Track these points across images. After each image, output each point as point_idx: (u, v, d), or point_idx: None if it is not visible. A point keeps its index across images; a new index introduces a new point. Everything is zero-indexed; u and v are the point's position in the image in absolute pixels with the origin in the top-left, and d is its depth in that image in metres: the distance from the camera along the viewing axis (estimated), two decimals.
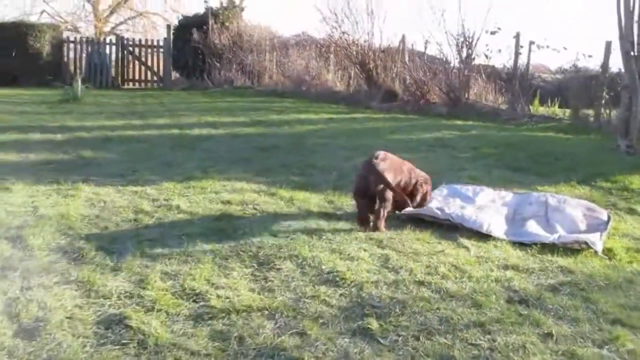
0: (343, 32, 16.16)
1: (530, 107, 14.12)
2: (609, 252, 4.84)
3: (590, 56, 13.35)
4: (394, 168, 5.31)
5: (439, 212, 5.37)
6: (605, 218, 5.51)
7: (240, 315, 3.35)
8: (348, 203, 5.92)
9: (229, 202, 5.70)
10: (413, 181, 5.52)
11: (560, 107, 14.59)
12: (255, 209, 5.56)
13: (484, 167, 7.77)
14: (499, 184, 6.83)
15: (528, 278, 4.12)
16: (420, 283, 3.91)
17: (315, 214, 5.50)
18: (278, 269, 4.05)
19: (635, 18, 8.60)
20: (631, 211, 6.20)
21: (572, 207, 5.72)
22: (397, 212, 5.47)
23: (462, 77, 14.38)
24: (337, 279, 3.90)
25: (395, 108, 14.40)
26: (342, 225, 5.10)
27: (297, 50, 17.95)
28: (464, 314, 3.46)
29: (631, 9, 8.56)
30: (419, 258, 4.34)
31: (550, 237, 4.97)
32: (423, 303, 3.60)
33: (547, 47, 13.81)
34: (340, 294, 3.70)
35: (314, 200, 5.96)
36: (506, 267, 4.29)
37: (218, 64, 18.83)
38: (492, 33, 14.17)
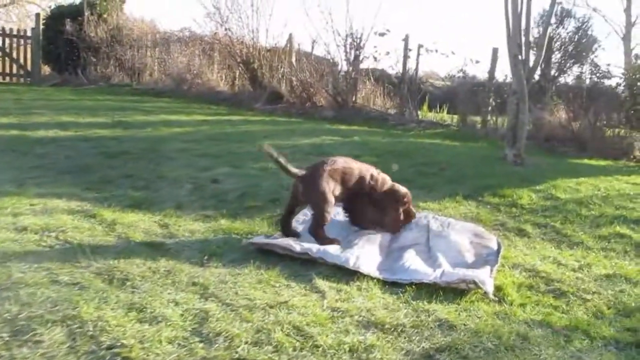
0: (227, 29, 14.76)
1: (419, 112, 13.32)
2: (498, 291, 3.81)
3: (477, 62, 12.68)
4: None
5: (295, 246, 4.15)
6: (495, 247, 4.52)
7: None
8: (188, 227, 4.61)
9: (24, 230, 4.22)
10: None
11: (448, 113, 13.91)
12: (57, 239, 4.12)
13: None
14: None
15: (395, 342, 2.96)
16: None
17: (137, 244, 4.14)
18: (37, 342, 2.66)
19: (523, 19, 7.79)
20: (521, 232, 5.30)
21: (458, 233, 4.68)
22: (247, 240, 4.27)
23: (350, 79, 13.34)
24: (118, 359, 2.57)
25: (280, 110, 13.15)
26: (162, 263, 3.75)
27: (180, 47, 16.32)
28: None
29: (519, 10, 7.74)
30: (251, 315, 3.08)
31: (431, 276, 3.87)
32: None
33: (436, 51, 13.02)
34: None
35: (144, 225, 4.60)
36: (368, 326, 3.11)
37: (94, 59, 16.84)
38: (381, 35, 13.22)
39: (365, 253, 4.20)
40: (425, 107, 14.02)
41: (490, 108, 12.13)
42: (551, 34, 12.52)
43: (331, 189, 4.47)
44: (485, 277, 3.86)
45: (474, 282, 3.73)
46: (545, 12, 10.46)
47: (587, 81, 12.28)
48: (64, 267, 3.49)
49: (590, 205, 6.00)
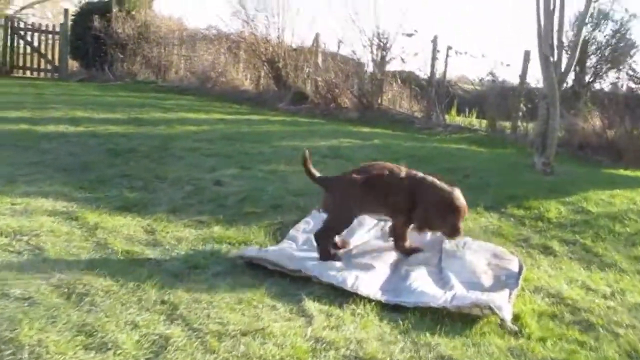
0: (252, 28, 14.36)
1: (447, 116, 12.73)
2: (516, 320, 3.29)
3: (508, 65, 11.99)
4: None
5: (287, 262, 3.68)
6: (516, 269, 3.97)
7: None
8: (176, 234, 4.18)
9: None
10: None
11: (477, 117, 13.27)
12: (28, 244, 3.71)
13: None
14: None
15: None
16: None
17: (114, 252, 3.72)
18: None
19: (556, 19, 7.19)
20: (546, 250, 4.74)
21: (474, 253, 4.16)
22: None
23: (375, 80, 12.82)
24: None
25: (304, 111, 12.70)
26: (134, 275, 3.31)
27: (205, 45, 15.99)
28: None
29: (551, 7, 7.13)
30: (218, 344, 2.62)
31: (440, 300, 3.36)
32: None
33: (465, 53, 12.39)
34: None
35: (128, 230, 4.19)
36: None
37: (121, 56, 16.65)
38: (409, 35, 12.65)
39: (367, 273, 3.70)
40: (453, 111, 13.43)
41: (520, 113, 11.50)
42: (586, 37, 11.84)
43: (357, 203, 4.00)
44: (503, 302, 3.35)
45: (489, 308, 3.23)
46: (580, 13, 9.77)
47: (624, 87, 11.59)
48: (21, 278, 3.08)
49: (625, 221, 5.40)
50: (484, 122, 12.37)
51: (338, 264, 3.75)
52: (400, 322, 3.09)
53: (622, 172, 8.57)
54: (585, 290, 3.87)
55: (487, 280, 3.79)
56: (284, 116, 11.57)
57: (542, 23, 7.17)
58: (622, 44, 11.76)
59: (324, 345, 2.74)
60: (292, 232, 4.44)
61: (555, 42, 7.11)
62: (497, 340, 3.02)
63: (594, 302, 3.67)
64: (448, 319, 3.18)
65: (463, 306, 3.26)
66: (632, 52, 11.82)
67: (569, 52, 7.74)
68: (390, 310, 3.27)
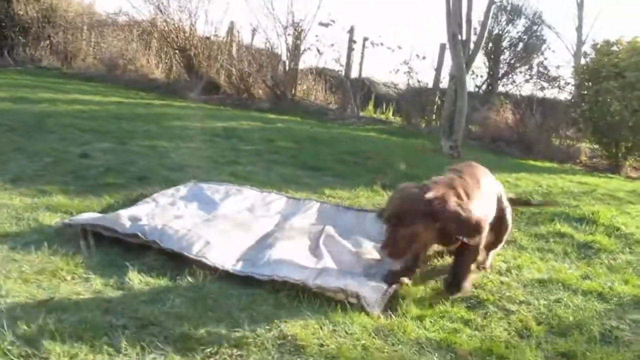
0: (163, 13, 13.45)
1: (364, 111, 12.30)
2: (392, 299, 2.71)
3: (424, 58, 11.65)
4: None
5: (123, 225, 2.98)
6: None
7: None
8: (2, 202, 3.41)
9: None
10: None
11: (394, 115, 12.88)
12: None
13: (267, 162, 5.52)
14: (276, 185, 4.63)
15: None
16: None
17: None
18: None
19: None
20: None
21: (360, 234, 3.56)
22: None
23: (290, 70, 12.23)
24: None
25: (216, 101, 11.93)
26: None
27: (114, 31, 14.94)
28: None
29: None
30: None
31: (301, 275, 2.72)
32: None
33: (382, 44, 12.02)
34: None
35: None
36: None
37: (23, 40, 15.35)
38: (325, 25, 12.13)
39: (226, 238, 3.05)
40: (371, 106, 13.02)
41: (436, 107, 11.19)
42: (500, 32, 11.68)
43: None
44: (376, 294, 2.68)
45: (357, 296, 2.59)
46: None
47: (534, 84, 11.51)
48: None
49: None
50: (400, 119, 12.00)
51: (188, 226, 3.08)
52: (244, 297, 2.45)
53: (531, 162, 8.32)
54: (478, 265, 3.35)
55: (366, 267, 3.16)
56: (190, 103, 10.78)
57: (451, 1, 6.76)
58: (531, 40, 11.63)
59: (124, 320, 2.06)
60: (155, 195, 3.77)
61: (464, 20, 6.71)
62: (363, 319, 2.42)
63: (487, 278, 3.15)
64: (310, 296, 2.57)
65: (327, 288, 2.62)
66: (542, 49, 11.71)
67: (477, 33, 7.35)
68: (243, 283, 2.62)
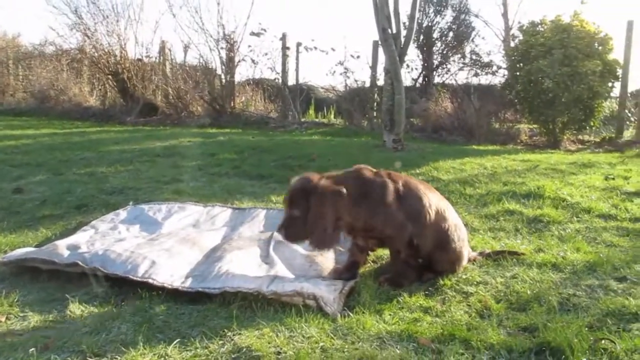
0: (91, 39, 13.07)
1: (305, 116, 12.25)
2: (350, 294, 2.64)
3: (358, 56, 11.66)
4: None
5: (60, 256, 2.81)
6: None
7: None
8: None
9: None
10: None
11: (336, 117, 12.86)
12: None
13: (210, 176, 5.40)
14: (221, 197, 4.50)
15: None
16: None
17: None
18: None
19: None
20: None
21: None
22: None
23: (227, 84, 12.08)
24: None
25: (155, 122, 11.68)
26: None
27: (42, 62, 14.46)
28: None
29: None
30: None
31: (253, 284, 2.61)
32: None
33: (315, 48, 11.96)
34: None
35: None
36: None
37: None
38: (257, 35, 12.04)
39: (173, 256, 2.92)
40: (311, 111, 12.99)
41: (375, 104, 11.22)
42: (430, 24, 11.82)
43: None
44: (333, 294, 2.61)
45: (314, 298, 2.51)
46: None
47: (469, 72, 11.69)
48: None
49: (475, 184, 5.01)
50: (342, 120, 12.00)
51: (131, 249, 2.93)
52: (195, 314, 2.33)
53: (474, 147, 8.41)
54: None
55: (318, 269, 3.08)
56: (129, 127, 10.51)
57: None
58: (462, 29, 11.81)
59: (65, 355, 1.91)
60: (94, 222, 3.60)
61: (392, 13, 6.72)
62: (320, 320, 2.33)
63: None
64: (264, 304, 2.46)
65: (283, 293, 2.53)
66: (472, 36, 11.90)
67: (406, 26, 7.38)
68: (193, 300, 2.50)
